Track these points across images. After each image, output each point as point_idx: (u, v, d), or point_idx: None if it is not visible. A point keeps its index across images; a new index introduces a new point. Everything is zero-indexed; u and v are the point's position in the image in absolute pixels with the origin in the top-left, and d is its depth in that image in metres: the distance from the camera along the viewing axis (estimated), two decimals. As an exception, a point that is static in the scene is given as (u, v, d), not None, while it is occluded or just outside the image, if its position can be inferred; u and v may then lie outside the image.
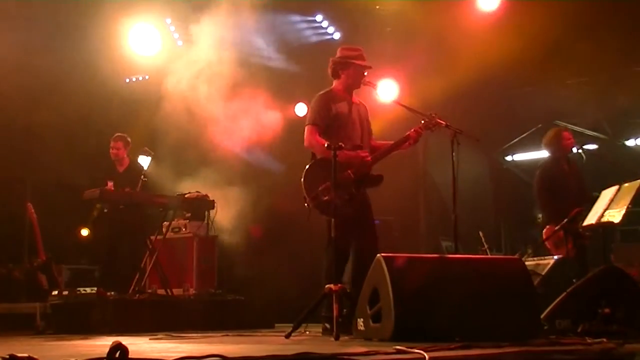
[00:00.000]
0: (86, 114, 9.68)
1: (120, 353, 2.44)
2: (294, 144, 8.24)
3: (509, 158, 11.49)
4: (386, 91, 8.67)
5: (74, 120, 9.33)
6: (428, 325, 3.89)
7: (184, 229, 8.01)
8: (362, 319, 4.31)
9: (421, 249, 9.83)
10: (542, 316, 4.50)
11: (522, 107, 10.24)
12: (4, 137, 8.89)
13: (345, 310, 4.94)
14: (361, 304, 4.37)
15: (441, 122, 5.36)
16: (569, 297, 4.67)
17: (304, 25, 10.23)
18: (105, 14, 8.56)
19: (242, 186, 9.10)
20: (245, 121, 8.96)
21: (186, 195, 7.73)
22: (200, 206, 7.79)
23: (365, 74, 5.51)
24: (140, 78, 10.55)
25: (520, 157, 11.31)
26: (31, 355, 2.39)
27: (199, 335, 5.33)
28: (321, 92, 5.51)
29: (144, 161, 7.78)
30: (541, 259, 5.90)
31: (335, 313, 4.54)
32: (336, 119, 5.37)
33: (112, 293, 6.68)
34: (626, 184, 5.57)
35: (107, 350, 2.46)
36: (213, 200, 7.84)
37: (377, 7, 9.60)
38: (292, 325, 4.80)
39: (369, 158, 5.34)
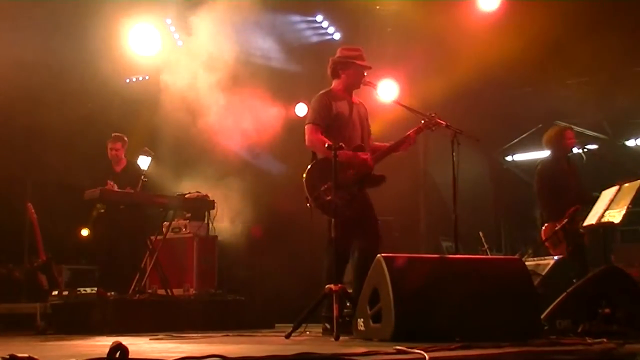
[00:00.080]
0: (86, 114, 9.69)
1: (120, 353, 2.44)
2: (294, 144, 8.26)
3: (509, 158, 11.49)
4: (386, 91, 8.67)
5: (74, 120, 9.33)
6: (428, 326, 3.90)
7: (184, 229, 8.01)
8: (362, 319, 4.31)
9: (421, 249, 9.83)
10: (542, 316, 4.50)
11: (522, 107, 10.24)
12: (4, 137, 8.89)
13: (345, 310, 4.95)
14: (361, 304, 4.37)
15: (441, 122, 5.36)
16: (569, 297, 4.67)
17: (304, 25, 10.23)
18: (105, 14, 8.55)
19: (243, 186, 9.11)
20: (246, 121, 8.96)
21: (186, 196, 7.73)
22: (201, 206, 7.79)
23: (365, 74, 5.52)
24: (140, 78, 10.55)
25: (520, 157, 11.32)
26: (31, 355, 2.39)
27: (199, 335, 5.33)
28: (321, 92, 5.50)
29: (144, 161, 7.77)
30: (541, 259, 5.90)
31: (335, 313, 4.54)
32: (337, 119, 5.37)
33: (112, 293, 6.68)
34: (626, 184, 5.57)
35: (107, 350, 2.46)
36: (213, 201, 7.84)
37: (377, 7, 9.60)
38: (292, 325, 4.80)
39: (371, 161, 5.34)
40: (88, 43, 9.02)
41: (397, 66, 9.31)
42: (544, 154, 7.18)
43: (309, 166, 5.22)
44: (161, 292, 7.28)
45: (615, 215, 5.40)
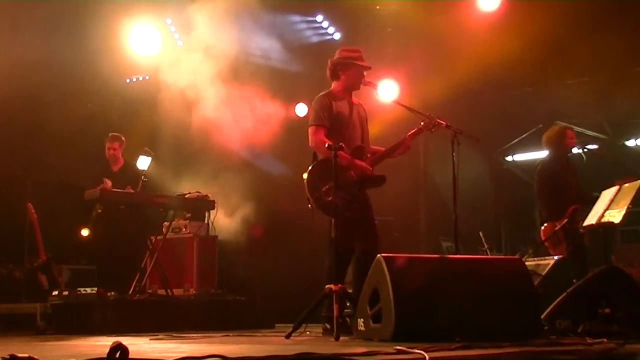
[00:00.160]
0: (87, 114, 9.69)
1: (120, 353, 2.44)
2: (294, 144, 8.27)
3: (509, 158, 11.49)
4: (386, 91, 8.67)
5: (74, 120, 9.33)
6: (428, 326, 3.90)
7: (184, 229, 8.01)
8: (362, 319, 4.31)
9: (421, 249, 9.83)
10: (542, 316, 4.50)
11: (522, 107, 10.23)
12: (4, 137, 8.89)
13: (346, 310, 4.95)
14: (361, 304, 4.37)
15: (441, 122, 5.37)
16: (569, 297, 4.67)
17: (304, 25, 10.23)
18: (105, 14, 8.56)
19: (243, 186, 9.10)
20: (246, 121, 8.96)
21: (186, 196, 7.73)
22: (201, 206, 7.79)
23: (365, 74, 5.52)
24: (141, 78, 10.55)
25: (520, 157, 11.31)
26: (31, 355, 2.39)
27: (199, 335, 5.33)
28: (322, 93, 5.51)
29: (144, 161, 7.77)
30: (541, 259, 5.90)
31: (335, 313, 4.54)
32: (337, 120, 5.39)
33: (112, 293, 6.68)
34: (626, 184, 5.57)
35: (107, 350, 2.46)
36: (213, 201, 7.84)
37: (377, 7, 9.60)
38: (292, 325, 4.80)
39: (371, 170, 5.35)
40: (88, 43, 9.02)
41: (397, 66, 9.31)
42: (544, 154, 7.18)
43: (310, 167, 5.23)
44: (161, 292, 7.28)
45: (615, 215, 5.40)
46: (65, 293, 6.68)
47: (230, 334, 5.62)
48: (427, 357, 2.76)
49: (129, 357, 2.46)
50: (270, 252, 9.62)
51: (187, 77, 8.10)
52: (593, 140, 9.99)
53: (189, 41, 8.51)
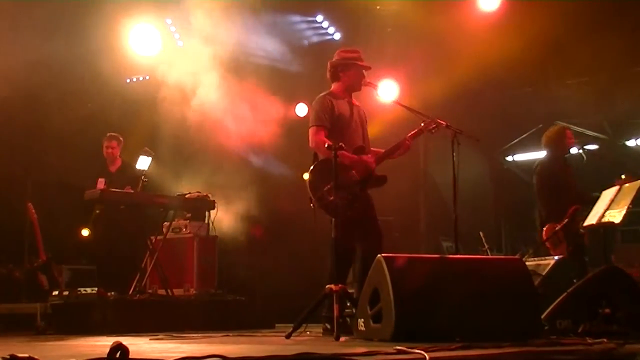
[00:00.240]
0: (87, 114, 9.69)
1: (120, 353, 2.44)
2: (294, 144, 8.27)
3: (509, 158, 11.49)
4: (386, 91, 8.67)
5: (74, 121, 9.33)
6: (428, 326, 3.90)
7: (184, 229, 8.00)
8: (362, 319, 4.31)
9: (421, 249, 9.83)
10: (542, 316, 4.50)
11: (522, 107, 10.23)
12: (5, 137, 8.89)
13: (347, 310, 4.95)
14: (362, 304, 4.37)
15: (441, 122, 5.37)
16: (569, 297, 4.67)
17: (304, 25, 10.24)
18: (105, 14, 8.56)
19: (243, 186, 9.10)
20: (246, 121, 8.96)
21: (186, 196, 7.73)
22: (201, 206, 7.79)
23: (365, 75, 5.52)
24: (141, 78, 10.55)
25: (520, 157, 11.31)
26: (32, 355, 2.39)
27: (199, 335, 5.33)
28: (322, 94, 5.51)
29: (144, 161, 7.77)
30: (542, 259, 5.90)
31: (335, 313, 4.54)
32: (339, 120, 5.39)
33: (113, 293, 6.69)
34: (627, 184, 5.57)
35: (107, 350, 2.46)
36: (213, 201, 7.84)
37: (378, 7, 9.61)
38: (292, 325, 4.80)
39: (373, 164, 5.35)
40: (88, 43, 9.02)
41: (397, 66, 9.31)
42: (544, 154, 7.18)
43: (312, 167, 5.23)
44: (161, 292, 7.28)
45: (616, 215, 5.40)
46: (66, 293, 6.68)
47: (231, 334, 5.62)
48: (427, 357, 2.76)
49: (129, 357, 2.46)
50: (270, 252, 9.62)
51: (187, 77, 8.11)
52: (593, 140, 9.98)
53: (189, 41, 8.52)
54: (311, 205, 5.15)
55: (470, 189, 8.50)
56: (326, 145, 4.99)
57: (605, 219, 5.49)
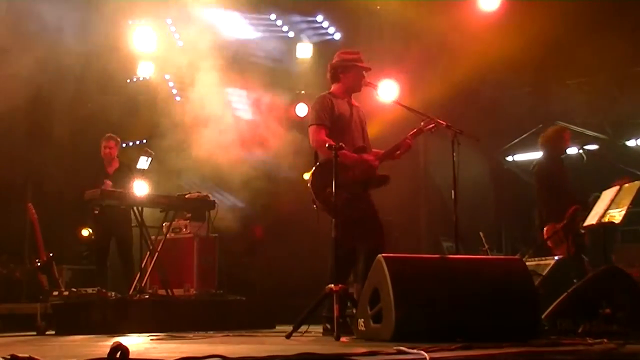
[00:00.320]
0: (87, 114, 9.70)
1: (121, 353, 2.44)
2: (294, 144, 8.28)
3: (509, 158, 11.48)
4: (386, 91, 8.67)
5: (74, 121, 9.34)
6: (428, 326, 3.89)
7: (184, 230, 8.01)
8: (362, 320, 4.31)
9: (422, 249, 9.83)
10: (542, 316, 4.50)
11: (522, 107, 10.23)
12: (5, 138, 8.89)
13: (348, 310, 4.95)
14: (362, 304, 4.37)
15: (442, 122, 5.37)
16: (569, 297, 4.67)
17: (305, 25, 10.24)
18: (105, 14, 8.56)
19: (243, 186, 9.10)
20: (246, 121, 8.96)
21: (186, 196, 7.73)
22: (201, 206, 7.79)
23: (365, 76, 5.53)
24: (141, 78, 10.56)
25: (520, 157, 11.30)
26: (32, 355, 2.39)
27: (199, 335, 5.33)
28: (322, 94, 5.52)
29: (144, 161, 7.78)
30: (542, 259, 5.90)
31: (335, 313, 4.54)
32: (339, 120, 5.39)
33: (113, 293, 6.69)
34: (627, 185, 5.58)
35: (107, 350, 2.46)
36: (214, 201, 7.84)
37: (378, 7, 9.61)
38: (292, 325, 4.80)
39: (376, 163, 5.35)
40: (89, 43, 9.02)
41: (397, 66, 9.31)
42: (541, 154, 7.19)
43: (314, 169, 5.23)
44: (161, 292, 7.28)
45: (616, 215, 5.41)
46: (66, 293, 6.68)
47: (231, 334, 5.62)
48: (427, 357, 2.76)
49: (130, 357, 2.46)
50: (271, 252, 9.62)
51: (187, 76, 8.11)
52: (593, 140, 9.98)
53: (189, 40, 8.52)
54: (314, 207, 5.15)
55: (471, 189, 8.51)
56: (327, 145, 4.99)
57: (605, 219, 5.50)
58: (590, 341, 3.72)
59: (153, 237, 7.37)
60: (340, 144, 4.94)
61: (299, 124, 8.88)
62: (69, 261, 9.24)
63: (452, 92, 8.79)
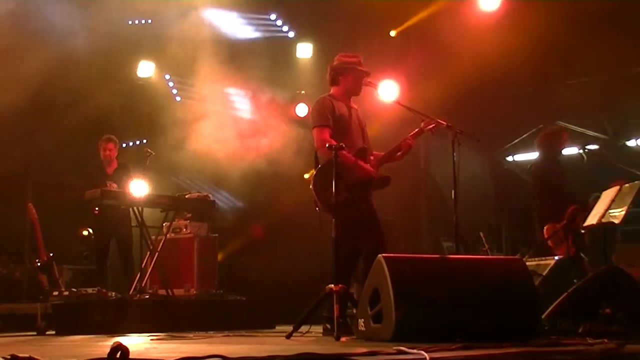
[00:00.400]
0: (87, 114, 9.69)
1: (121, 353, 2.44)
2: (294, 144, 8.28)
3: (509, 158, 11.48)
4: (387, 92, 8.67)
5: (74, 121, 9.34)
6: (429, 326, 3.89)
7: (184, 230, 8.01)
8: (362, 320, 4.31)
9: (422, 249, 9.82)
10: (543, 316, 4.50)
11: (523, 107, 10.23)
12: (5, 137, 8.89)
13: (348, 310, 4.95)
14: (362, 304, 4.37)
15: (442, 122, 5.37)
16: (570, 297, 4.67)
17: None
18: (105, 14, 8.56)
19: (243, 186, 9.10)
20: (246, 121, 8.96)
21: (187, 196, 7.73)
22: (201, 206, 7.79)
23: (364, 80, 5.54)
24: (141, 78, 10.55)
25: (521, 157, 11.29)
26: (32, 355, 2.39)
27: (199, 335, 5.33)
28: (322, 96, 5.53)
29: (145, 161, 7.78)
30: (542, 259, 5.90)
31: (335, 313, 4.54)
32: (340, 121, 5.40)
33: (113, 293, 6.69)
34: (627, 185, 5.58)
35: (107, 350, 2.46)
36: (214, 201, 7.84)
37: (378, 7, 9.60)
38: (292, 325, 4.80)
39: (373, 172, 5.35)
40: (89, 42, 9.01)
41: (397, 66, 9.31)
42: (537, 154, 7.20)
43: (315, 170, 5.23)
44: (162, 292, 7.28)
45: (616, 216, 5.41)
46: (66, 293, 6.68)
47: (231, 334, 5.62)
48: (427, 357, 2.76)
49: (130, 357, 2.46)
50: (271, 252, 9.62)
51: (187, 76, 8.12)
52: (593, 140, 9.98)
53: (189, 41, 8.52)
54: (316, 208, 5.15)
55: (471, 189, 8.49)
56: (327, 146, 4.99)
57: (605, 219, 5.50)
58: (590, 341, 3.72)
59: (153, 237, 7.37)
60: (341, 144, 4.94)
61: (299, 124, 8.88)
62: (69, 261, 9.24)
63: (452, 92, 8.78)
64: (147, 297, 6.89)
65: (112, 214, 7.70)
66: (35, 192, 9.39)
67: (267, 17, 10.09)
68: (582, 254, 6.22)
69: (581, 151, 7.01)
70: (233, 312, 7.18)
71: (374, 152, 5.59)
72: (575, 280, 5.07)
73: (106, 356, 2.44)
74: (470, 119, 7.95)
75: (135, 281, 7.03)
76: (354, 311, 4.70)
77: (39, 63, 8.23)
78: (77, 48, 8.63)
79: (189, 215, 8.01)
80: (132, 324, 6.05)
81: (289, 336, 4.67)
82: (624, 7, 8.21)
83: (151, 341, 4.74)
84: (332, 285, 4.69)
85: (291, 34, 10.28)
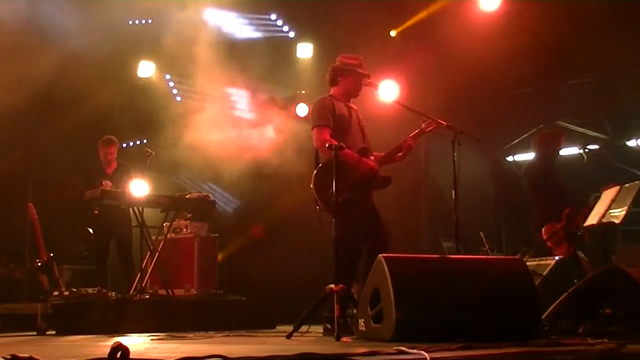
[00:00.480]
0: (88, 114, 9.69)
1: (121, 353, 2.44)
2: (294, 144, 8.28)
3: (510, 158, 11.48)
4: (387, 92, 8.67)
5: (74, 121, 9.33)
6: (429, 326, 3.90)
7: (185, 230, 8.01)
8: (363, 320, 4.31)
9: (422, 249, 9.82)
10: (543, 316, 4.50)
11: (523, 107, 10.23)
12: (5, 137, 8.89)
13: (348, 310, 4.95)
14: (362, 304, 4.37)
15: (442, 122, 5.37)
16: (570, 297, 4.67)
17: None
18: (106, 14, 8.56)
19: (243, 186, 9.10)
20: (246, 121, 8.96)
21: (187, 196, 7.73)
22: (201, 207, 7.79)
23: (364, 82, 5.54)
24: (142, 78, 10.55)
25: (521, 157, 11.29)
26: (32, 355, 2.39)
27: (200, 335, 5.33)
28: (322, 96, 5.54)
29: (145, 162, 7.78)
30: (542, 260, 5.90)
31: (336, 313, 4.54)
32: (340, 122, 5.40)
33: (113, 293, 6.69)
34: (627, 185, 5.58)
35: (108, 350, 2.46)
36: (214, 201, 7.84)
37: (378, 8, 9.60)
38: (293, 325, 4.80)
39: (377, 168, 5.35)
40: (89, 42, 9.01)
41: (397, 66, 9.31)
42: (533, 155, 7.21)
43: (316, 170, 5.23)
44: (162, 292, 7.28)
45: (617, 216, 5.41)
46: (66, 293, 6.69)
47: (231, 334, 5.62)
48: (427, 357, 2.76)
49: (130, 357, 2.46)
50: (271, 252, 9.62)
51: (188, 76, 8.12)
52: (593, 140, 9.98)
53: (189, 41, 8.52)
54: (317, 207, 5.15)
55: (471, 189, 8.49)
56: (327, 145, 4.99)
57: (605, 219, 5.50)
58: (590, 341, 3.72)
59: (153, 237, 7.38)
60: (341, 143, 4.94)
61: (299, 124, 8.87)
62: (69, 261, 9.24)
63: (452, 92, 8.78)
64: (147, 297, 6.89)
65: (112, 214, 7.70)
66: (35, 192, 9.39)
67: (267, 17, 10.09)
68: (580, 254, 6.23)
69: (581, 151, 7.02)
70: (233, 312, 7.18)
71: (374, 153, 5.60)
72: (575, 280, 5.07)
73: (106, 356, 2.44)
74: (470, 119, 7.96)
75: (136, 281, 7.03)
76: (355, 311, 4.70)
77: (39, 63, 8.23)
78: (78, 48, 8.63)
79: (189, 215, 8.01)
80: (132, 324, 6.05)
81: (289, 336, 4.67)
82: (624, 7, 8.20)
83: (151, 341, 4.74)
84: (333, 285, 4.69)
85: (291, 34, 10.28)
